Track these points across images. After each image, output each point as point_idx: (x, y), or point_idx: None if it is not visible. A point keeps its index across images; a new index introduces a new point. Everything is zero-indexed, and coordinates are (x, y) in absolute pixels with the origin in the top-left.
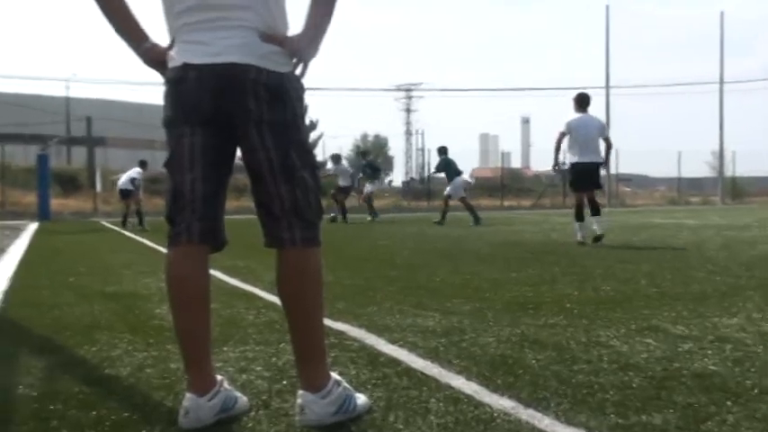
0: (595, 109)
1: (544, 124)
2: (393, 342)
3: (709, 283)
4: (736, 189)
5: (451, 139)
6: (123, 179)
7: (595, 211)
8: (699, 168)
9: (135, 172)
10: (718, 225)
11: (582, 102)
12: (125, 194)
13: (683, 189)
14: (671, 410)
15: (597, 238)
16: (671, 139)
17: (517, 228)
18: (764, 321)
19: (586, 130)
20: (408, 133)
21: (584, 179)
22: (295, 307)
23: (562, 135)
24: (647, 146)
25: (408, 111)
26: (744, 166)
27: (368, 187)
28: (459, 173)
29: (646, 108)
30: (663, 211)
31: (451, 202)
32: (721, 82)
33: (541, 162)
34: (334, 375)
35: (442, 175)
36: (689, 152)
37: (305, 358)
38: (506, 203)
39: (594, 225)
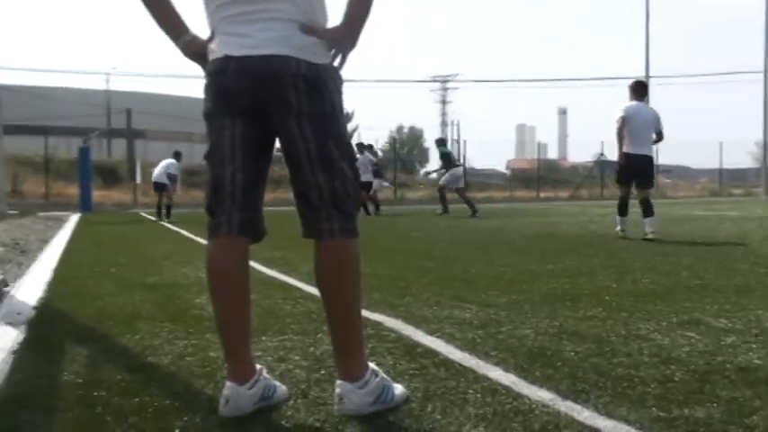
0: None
1: (581, 115)
2: (430, 333)
3: (752, 276)
4: None
5: (487, 129)
6: (158, 171)
7: (648, 212)
8: (741, 159)
9: (171, 166)
10: (760, 217)
11: (639, 90)
12: (159, 187)
13: (725, 180)
14: (714, 404)
15: (647, 239)
16: (713, 130)
17: (553, 219)
18: None
19: (642, 119)
20: (444, 124)
21: (634, 173)
22: (333, 298)
23: (623, 120)
24: (689, 136)
25: (444, 102)
26: None
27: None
28: (457, 164)
29: (687, 98)
30: (704, 203)
31: (448, 194)
32: (766, 71)
33: (578, 153)
34: (372, 365)
35: (434, 175)
36: (731, 143)
37: (343, 348)
38: (543, 195)
39: (647, 227)
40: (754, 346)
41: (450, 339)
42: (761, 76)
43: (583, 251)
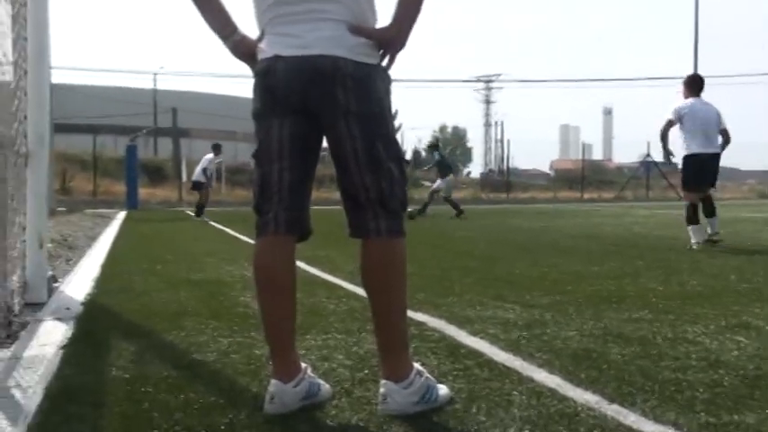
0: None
1: (627, 115)
2: (474, 334)
3: None
4: None
5: (531, 129)
6: (197, 170)
7: (711, 211)
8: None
9: (206, 161)
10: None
11: (695, 84)
12: (196, 186)
13: None
14: (766, 410)
15: (712, 241)
16: (763, 131)
17: (597, 220)
18: None
19: (705, 115)
20: (487, 125)
21: (705, 175)
22: (379, 297)
23: (669, 123)
24: (738, 138)
25: (487, 102)
26: None
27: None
28: (452, 170)
29: (735, 98)
30: (752, 205)
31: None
32: None
33: (624, 154)
34: (417, 365)
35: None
36: None
37: (388, 348)
38: (587, 196)
39: (708, 228)
40: None
41: (494, 340)
42: None
43: (627, 253)
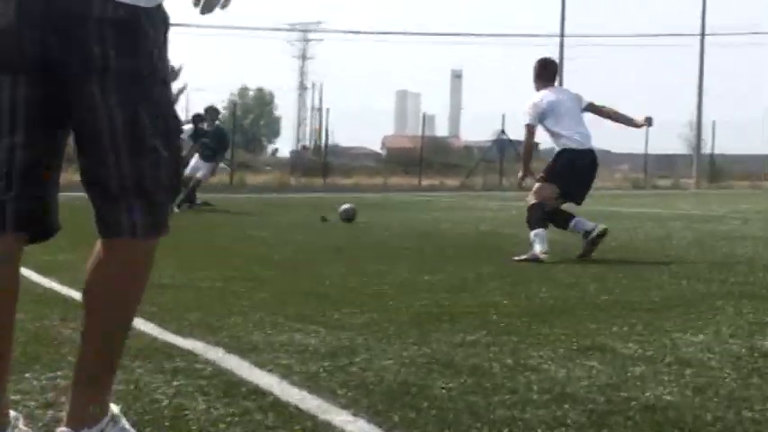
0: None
1: (480, 81)
2: (260, 366)
3: (672, 290)
4: (715, 170)
5: (359, 96)
6: None
7: (563, 222)
8: (671, 143)
9: None
10: (689, 216)
11: (545, 72)
12: None
13: (651, 169)
14: None
15: (593, 241)
16: (638, 105)
17: (437, 215)
18: (736, 339)
19: (566, 107)
20: (302, 88)
21: (578, 178)
22: (107, 316)
23: (530, 131)
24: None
25: (303, 58)
26: (725, 141)
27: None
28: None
29: (606, 64)
30: (624, 197)
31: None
32: (702, 34)
33: (474, 130)
34: (114, 408)
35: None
36: (659, 123)
37: (87, 381)
38: (426, 182)
39: (588, 223)
40: (667, 378)
41: (286, 374)
42: (696, 40)
43: (469, 257)
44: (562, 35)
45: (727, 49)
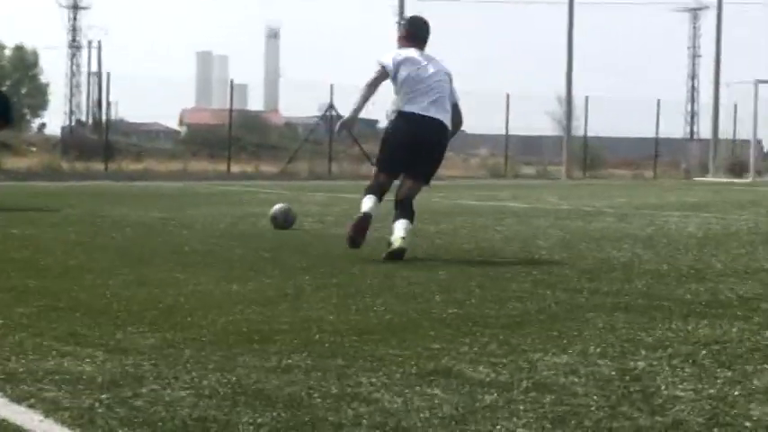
0: (379, 18)
1: (302, 42)
2: (18, 400)
3: (534, 301)
4: (589, 155)
5: (149, 58)
6: None
7: (406, 212)
8: (538, 122)
9: None
10: (557, 211)
11: (417, 33)
12: None
13: (515, 153)
14: None
15: (395, 253)
16: (505, 75)
17: (251, 209)
18: (605, 359)
19: (432, 73)
20: (75, 46)
21: (411, 150)
22: None
23: (382, 75)
24: (464, 85)
25: (75, 8)
26: (602, 121)
27: None
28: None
29: (457, 23)
30: (480, 187)
31: None
32: None
33: (296, 104)
34: None
35: None
36: (523, 98)
37: None
38: (236, 169)
39: (397, 231)
40: (522, 407)
41: (52, 410)
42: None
43: (289, 262)
44: None
45: (601, 8)
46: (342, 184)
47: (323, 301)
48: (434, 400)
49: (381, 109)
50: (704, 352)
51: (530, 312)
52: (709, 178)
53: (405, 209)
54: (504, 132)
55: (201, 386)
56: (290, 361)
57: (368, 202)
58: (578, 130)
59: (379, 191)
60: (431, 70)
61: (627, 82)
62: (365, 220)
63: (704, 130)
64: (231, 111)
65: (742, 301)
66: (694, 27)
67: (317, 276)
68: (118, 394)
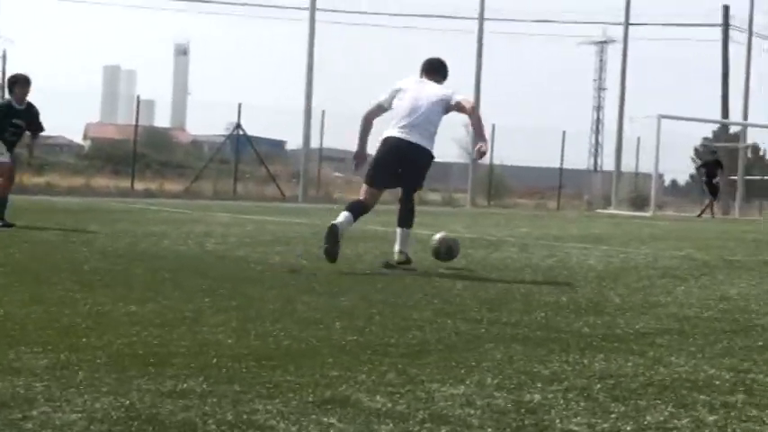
0: (293, 31)
1: (211, 60)
2: None
3: (434, 331)
4: (494, 184)
5: (56, 70)
6: None
7: (402, 220)
8: (445, 149)
9: None
10: (461, 239)
11: (423, 65)
12: None
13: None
14: None
15: (401, 262)
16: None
17: (153, 228)
18: (501, 391)
19: (416, 95)
20: None
21: (394, 163)
22: None
23: (378, 109)
24: (357, 107)
25: None
26: (507, 147)
27: None
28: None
29: (351, 41)
30: (388, 212)
31: None
32: (482, 18)
33: (204, 121)
34: None
35: None
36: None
37: None
38: (140, 186)
39: (398, 245)
40: None
41: None
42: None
43: (190, 283)
44: (313, 8)
45: (510, 38)
46: (247, 205)
47: (222, 324)
48: (330, 429)
49: (285, 131)
50: (599, 386)
51: (429, 342)
52: (612, 210)
53: (402, 217)
54: None
55: (94, 409)
56: (185, 385)
57: (340, 217)
58: (484, 159)
59: (359, 207)
60: (412, 96)
61: (534, 111)
62: (333, 230)
63: (608, 163)
64: (137, 126)
65: (638, 335)
66: (601, 60)
67: (218, 299)
68: (7, 416)
